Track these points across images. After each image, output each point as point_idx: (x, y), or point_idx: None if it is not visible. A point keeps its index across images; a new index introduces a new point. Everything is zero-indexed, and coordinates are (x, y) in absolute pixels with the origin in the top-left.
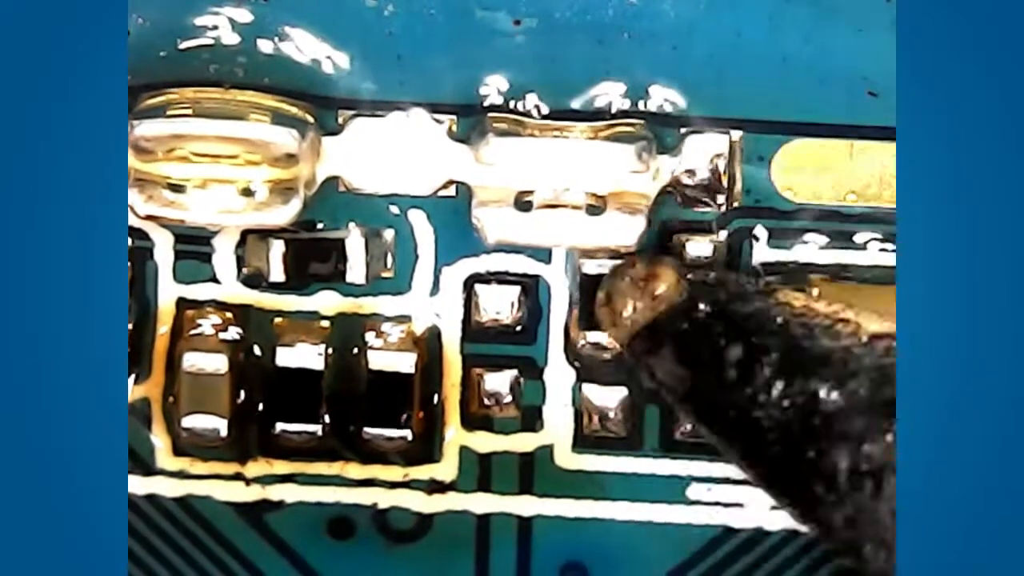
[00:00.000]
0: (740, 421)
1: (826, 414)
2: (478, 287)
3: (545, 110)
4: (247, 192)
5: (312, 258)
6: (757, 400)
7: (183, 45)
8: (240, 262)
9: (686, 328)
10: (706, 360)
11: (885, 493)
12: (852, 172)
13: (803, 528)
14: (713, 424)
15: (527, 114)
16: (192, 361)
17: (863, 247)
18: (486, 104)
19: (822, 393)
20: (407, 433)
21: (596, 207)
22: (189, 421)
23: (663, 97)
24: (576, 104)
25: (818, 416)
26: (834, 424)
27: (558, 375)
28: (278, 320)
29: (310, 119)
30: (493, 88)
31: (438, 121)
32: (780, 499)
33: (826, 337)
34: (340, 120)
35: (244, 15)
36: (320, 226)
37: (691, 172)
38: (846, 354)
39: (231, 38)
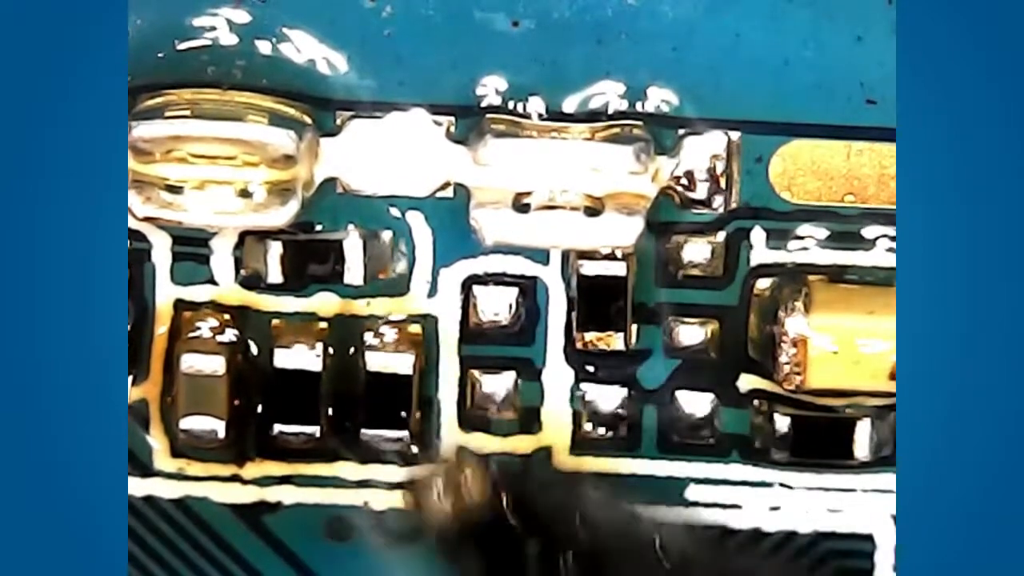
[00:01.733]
0: None
1: None
2: (476, 288)
3: (543, 111)
4: (245, 193)
5: (310, 259)
6: None
7: (181, 46)
8: (238, 264)
9: (490, 523)
10: (509, 556)
11: None
12: (850, 173)
13: (801, 528)
14: None
15: (525, 115)
16: (190, 362)
17: (861, 248)
18: (484, 105)
19: None
20: (405, 434)
21: (594, 208)
22: (187, 422)
23: (661, 98)
24: (574, 105)
25: None
26: None
27: (556, 376)
28: (276, 322)
29: (308, 120)
30: (491, 89)
31: (437, 123)
32: None
33: (623, 535)
34: (338, 121)
35: (242, 16)
36: (318, 227)
37: (689, 173)
38: (640, 555)
39: (229, 39)
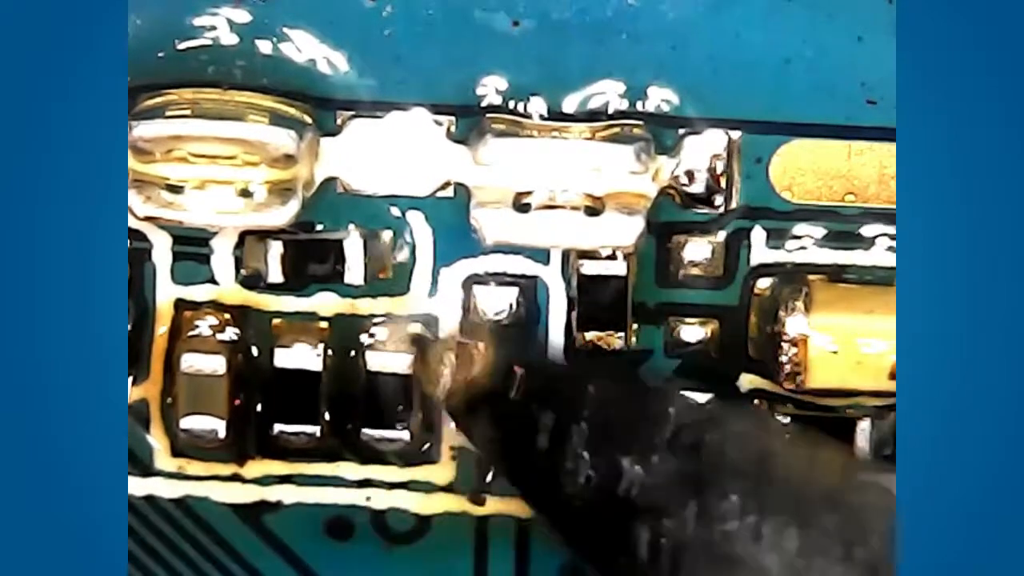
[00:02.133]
0: (549, 488)
1: (629, 486)
2: (476, 288)
3: (544, 111)
4: (245, 193)
5: (310, 259)
6: (566, 468)
7: (181, 46)
8: (238, 263)
9: (501, 393)
10: (519, 426)
11: (683, 570)
12: (850, 173)
13: None
14: (524, 488)
15: (526, 115)
16: (190, 362)
17: (861, 248)
18: (484, 105)
19: (625, 464)
20: (405, 434)
21: (594, 208)
22: (187, 422)
23: (661, 98)
24: (574, 105)
25: (621, 488)
26: (636, 496)
27: None
28: (276, 321)
29: (308, 120)
30: (491, 89)
31: (437, 123)
32: (587, 566)
33: (633, 410)
34: (339, 121)
35: (243, 16)
36: (319, 227)
37: (690, 173)
38: (650, 427)
39: (230, 39)
